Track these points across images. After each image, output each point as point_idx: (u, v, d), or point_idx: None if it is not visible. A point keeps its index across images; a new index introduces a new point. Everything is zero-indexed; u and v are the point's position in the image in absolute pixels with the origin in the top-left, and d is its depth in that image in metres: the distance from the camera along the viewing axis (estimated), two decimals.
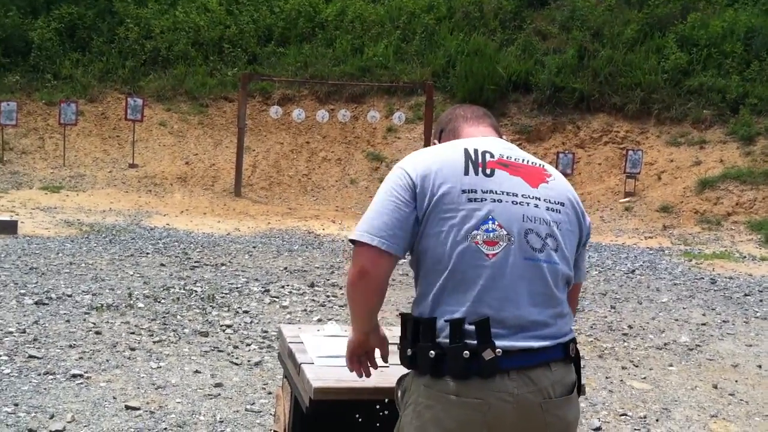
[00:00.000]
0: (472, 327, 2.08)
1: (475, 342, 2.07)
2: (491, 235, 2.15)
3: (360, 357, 2.39)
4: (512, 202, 2.20)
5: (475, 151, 2.27)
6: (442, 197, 2.16)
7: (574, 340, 2.24)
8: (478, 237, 2.15)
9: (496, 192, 2.20)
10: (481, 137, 2.39)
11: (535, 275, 2.17)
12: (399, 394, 2.24)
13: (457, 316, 2.09)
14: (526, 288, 2.15)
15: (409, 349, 2.15)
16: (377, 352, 2.42)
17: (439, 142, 2.48)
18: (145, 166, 16.01)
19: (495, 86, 17.79)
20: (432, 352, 2.09)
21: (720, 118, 16.68)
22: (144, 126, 16.73)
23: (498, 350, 2.06)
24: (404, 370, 2.30)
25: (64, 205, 12.72)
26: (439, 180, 2.18)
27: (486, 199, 2.18)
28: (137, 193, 14.65)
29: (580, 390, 2.27)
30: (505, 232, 2.16)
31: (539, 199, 2.25)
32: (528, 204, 2.22)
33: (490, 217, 2.16)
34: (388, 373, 2.58)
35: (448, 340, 2.09)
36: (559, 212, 2.27)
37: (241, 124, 15.55)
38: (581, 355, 2.31)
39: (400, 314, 2.25)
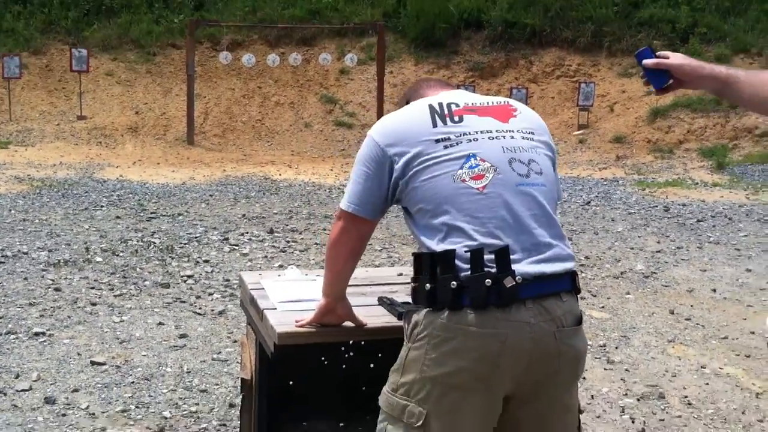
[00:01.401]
0: (491, 256, 2.12)
1: (495, 270, 2.10)
2: (476, 170, 2.21)
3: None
4: (488, 137, 2.27)
5: (440, 104, 2.35)
6: (417, 154, 2.25)
7: (576, 272, 2.29)
8: (464, 175, 2.21)
9: (469, 133, 2.27)
10: (443, 92, 2.47)
11: (528, 199, 2.22)
12: (408, 329, 2.24)
13: (474, 247, 2.13)
14: (522, 212, 2.20)
15: (427, 284, 2.16)
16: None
17: None
18: (94, 117, 15.72)
19: (447, 24, 17.68)
20: (453, 283, 2.11)
21: (670, 48, 16.69)
22: (90, 77, 16.38)
23: (518, 278, 2.10)
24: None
25: (13, 160, 12.48)
26: (409, 139, 2.27)
27: (462, 141, 2.25)
28: (87, 145, 14.41)
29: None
30: (489, 165, 2.22)
31: (513, 131, 2.32)
32: (504, 137, 2.29)
33: (471, 154, 2.23)
34: None
35: (468, 271, 2.12)
36: (533, 139, 2.34)
37: (190, 71, 15.29)
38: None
39: (413, 254, 2.29)
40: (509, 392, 2.18)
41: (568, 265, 2.24)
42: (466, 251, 2.13)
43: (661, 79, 2.35)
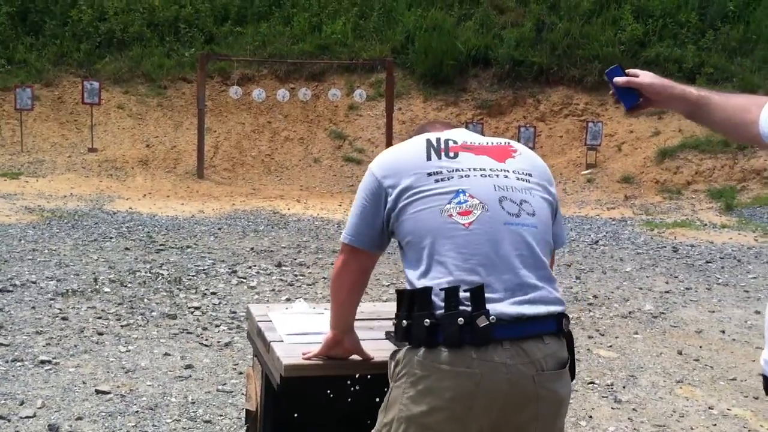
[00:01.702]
0: (467, 294, 2.10)
1: (469, 309, 2.09)
2: (464, 206, 2.20)
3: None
4: (481, 175, 2.27)
5: (438, 140, 2.35)
6: (409, 186, 2.25)
7: (566, 316, 2.24)
8: (452, 210, 2.20)
9: (462, 169, 2.27)
10: (446, 130, 2.48)
11: (516, 239, 2.20)
12: (392, 367, 2.25)
13: (451, 284, 2.12)
14: (509, 251, 2.18)
15: (404, 321, 2.16)
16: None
17: None
18: (105, 150, 15.82)
19: (454, 61, 17.80)
20: (427, 320, 2.10)
21: None
22: (102, 109, 16.51)
23: (492, 317, 2.07)
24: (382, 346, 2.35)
25: (24, 191, 12.55)
26: (403, 172, 2.28)
27: (453, 177, 2.25)
28: (98, 177, 14.49)
29: (573, 372, 2.28)
30: (477, 201, 2.21)
31: (508, 171, 2.31)
32: (497, 175, 2.28)
33: (461, 190, 2.22)
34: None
35: (443, 309, 2.10)
36: (529, 181, 2.33)
37: (200, 105, 15.40)
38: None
39: (396, 291, 2.30)
40: None
41: (553, 309, 2.20)
42: (441, 289, 2.12)
43: (631, 97, 2.32)
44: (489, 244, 2.17)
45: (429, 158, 2.28)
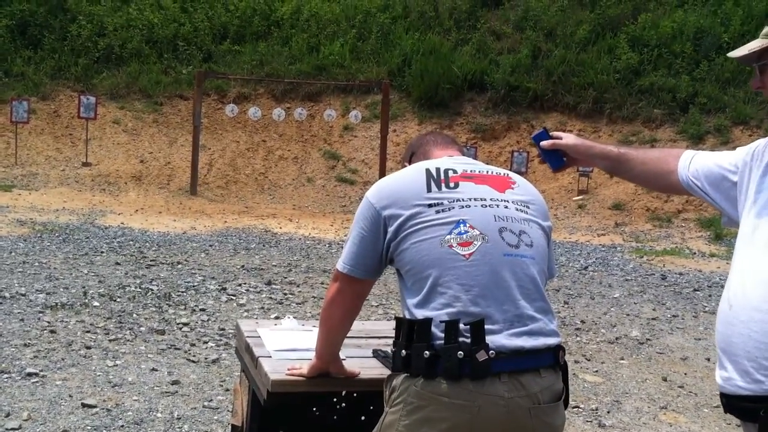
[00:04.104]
0: (467, 327, 2.12)
1: (469, 341, 2.11)
2: (464, 236, 2.22)
3: None
4: (481, 205, 2.29)
5: (437, 169, 2.36)
6: (409, 217, 2.26)
7: (562, 348, 2.28)
8: (452, 241, 2.21)
9: (463, 199, 2.29)
10: (445, 158, 2.49)
11: (515, 270, 2.22)
12: (387, 392, 2.26)
13: (451, 317, 2.14)
14: (508, 283, 2.20)
15: (403, 351, 2.18)
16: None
17: (409, 164, 2.58)
18: (99, 164, 15.85)
19: (450, 85, 17.93)
20: (426, 352, 2.12)
21: (670, 117, 16.98)
22: (97, 124, 16.55)
23: (491, 352, 2.10)
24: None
25: (17, 204, 12.55)
26: (403, 202, 2.29)
27: (454, 207, 2.26)
28: (91, 192, 14.50)
29: (567, 401, 2.31)
30: (478, 232, 2.23)
31: (507, 201, 2.33)
32: (498, 206, 2.30)
33: (461, 220, 2.24)
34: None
35: (442, 341, 2.12)
36: (527, 213, 2.35)
37: (196, 122, 15.46)
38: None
39: (395, 318, 2.31)
40: None
41: (550, 341, 2.23)
42: (441, 321, 2.14)
43: (557, 159, 2.53)
44: (489, 275, 2.19)
45: (429, 189, 2.29)
